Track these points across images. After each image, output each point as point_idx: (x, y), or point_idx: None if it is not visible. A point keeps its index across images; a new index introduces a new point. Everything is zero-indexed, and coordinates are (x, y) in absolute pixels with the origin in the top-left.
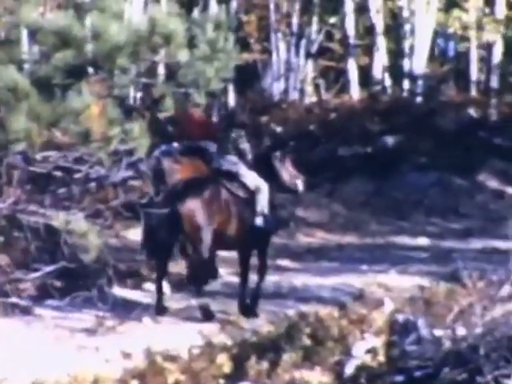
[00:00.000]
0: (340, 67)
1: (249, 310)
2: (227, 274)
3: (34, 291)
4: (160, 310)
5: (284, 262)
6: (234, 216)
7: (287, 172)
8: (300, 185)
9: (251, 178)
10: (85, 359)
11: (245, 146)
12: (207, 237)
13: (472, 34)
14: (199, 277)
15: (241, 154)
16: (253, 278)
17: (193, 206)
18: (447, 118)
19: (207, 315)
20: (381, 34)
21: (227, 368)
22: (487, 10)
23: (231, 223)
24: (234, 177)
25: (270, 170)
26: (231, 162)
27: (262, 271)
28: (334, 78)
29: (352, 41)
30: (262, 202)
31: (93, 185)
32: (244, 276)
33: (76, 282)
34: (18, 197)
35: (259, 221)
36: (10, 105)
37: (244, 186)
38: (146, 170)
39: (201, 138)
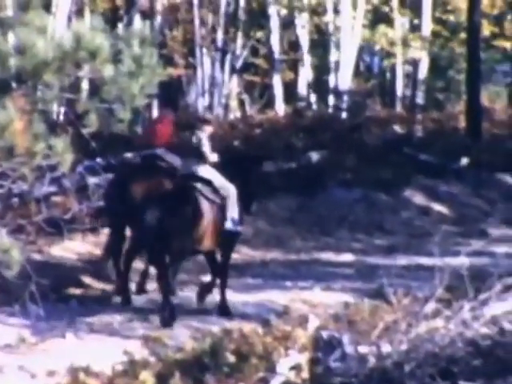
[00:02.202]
0: (265, 82)
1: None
2: (152, 291)
3: None
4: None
5: (208, 278)
6: (209, 222)
7: None
8: None
9: (222, 183)
10: (8, 376)
11: (206, 149)
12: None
13: (398, 50)
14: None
15: (202, 158)
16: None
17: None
18: (372, 134)
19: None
20: (306, 49)
21: None
22: (415, 21)
23: (207, 229)
24: (207, 182)
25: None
26: (203, 168)
27: (225, 273)
28: (259, 93)
29: (277, 56)
30: (232, 206)
31: (15, 200)
32: (215, 277)
33: None
34: None
35: (229, 224)
36: None
37: (216, 190)
38: (69, 185)
39: (161, 146)
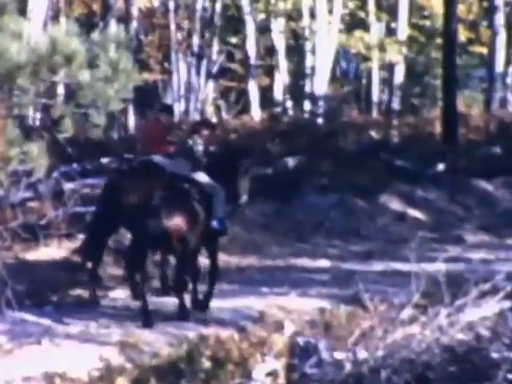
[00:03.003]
0: (241, 88)
1: (203, 305)
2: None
3: None
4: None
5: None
6: (198, 221)
7: None
8: None
9: (209, 183)
10: None
11: (200, 154)
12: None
13: (374, 54)
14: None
15: (195, 160)
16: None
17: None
18: (348, 140)
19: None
20: (282, 54)
21: None
22: (392, 25)
23: (196, 228)
24: (194, 182)
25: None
26: (190, 169)
27: (215, 271)
28: (235, 98)
29: (253, 61)
30: (218, 206)
31: None
32: (195, 275)
33: None
34: None
35: (215, 223)
36: None
37: (203, 190)
38: (45, 190)
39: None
